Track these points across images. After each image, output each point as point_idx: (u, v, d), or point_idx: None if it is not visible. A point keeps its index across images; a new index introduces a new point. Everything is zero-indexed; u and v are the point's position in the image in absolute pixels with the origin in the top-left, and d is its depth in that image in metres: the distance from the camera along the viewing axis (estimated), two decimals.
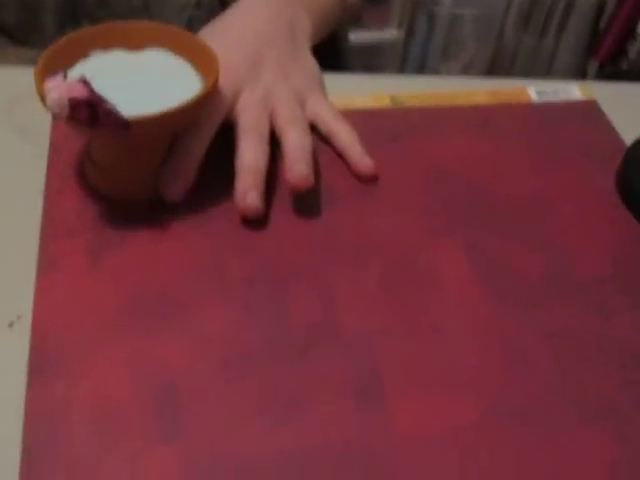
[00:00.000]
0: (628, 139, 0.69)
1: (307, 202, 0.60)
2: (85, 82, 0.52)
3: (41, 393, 0.47)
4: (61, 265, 0.54)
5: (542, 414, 0.50)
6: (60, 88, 0.52)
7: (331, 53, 0.92)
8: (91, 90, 0.52)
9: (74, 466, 0.44)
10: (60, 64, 0.57)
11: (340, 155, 0.64)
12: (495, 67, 2.02)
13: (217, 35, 0.66)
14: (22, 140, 0.64)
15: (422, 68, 1.97)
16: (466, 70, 1.96)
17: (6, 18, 0.89)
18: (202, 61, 0.59)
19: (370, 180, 0.62)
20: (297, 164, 0.58)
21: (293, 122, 0.62)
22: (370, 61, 2.05)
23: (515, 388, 0.51)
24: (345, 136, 0.63)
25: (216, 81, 0.57)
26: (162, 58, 0.61)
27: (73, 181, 0.60)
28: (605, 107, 0.72)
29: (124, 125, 0.52)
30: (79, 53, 0.59)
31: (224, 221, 0.58)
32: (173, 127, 0.57)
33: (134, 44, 0.61)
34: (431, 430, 0.48)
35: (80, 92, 0.51)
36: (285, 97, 0.63)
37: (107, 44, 0.60)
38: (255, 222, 0.58)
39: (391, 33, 2.01)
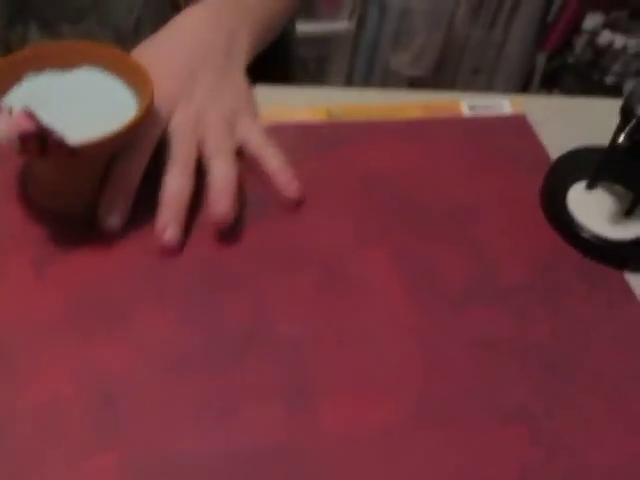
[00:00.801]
0: (555, 153, 0.72)
1: (242, 210, 0.63)
2: (29, 114, 0.53)
3: None
4: (7, 276, 0.56)
5: (461, 417, 0.53)
6: (7, 124, 0.53)
7: (280, 45, 0.94)
8: (38, 122, 0.53)
9: (13, 468, 0.47)
10: None
11: None
12: (445, 58, 2.06)
13: (152, 53, 0.68)
14: None
15: (373, 59, 2.00)
16: (416, 61, 1.99)
17: None
18: (136, 80, 0.61)
19: (297, 203, 0.65)
20: (219, 200, 0.60)
21: (220, 151, 0.64)
22: (321, 51, 2.07)
23: (436, 392, 0.54)
24: (274, 161, 0.65)
25: (152, 102, 0.59)
26: (95, 77, 0.62)
27: (18, 192, 0.62)
28: (536, 120, 0.75)
29: (72, 152, 0.54)
30: (12, 78, 0.60)
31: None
32: (115, 148, 0.59)
33: (66, 63, 0.62)
34: (357, 432, 0.52)
35: (27, 125, 0.53)
36: (215, 123, 0.65)
37: (40, 66, 0.61)
38: (195, 222, 0.61)
39: (342, 24, 2.03)
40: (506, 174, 0.70)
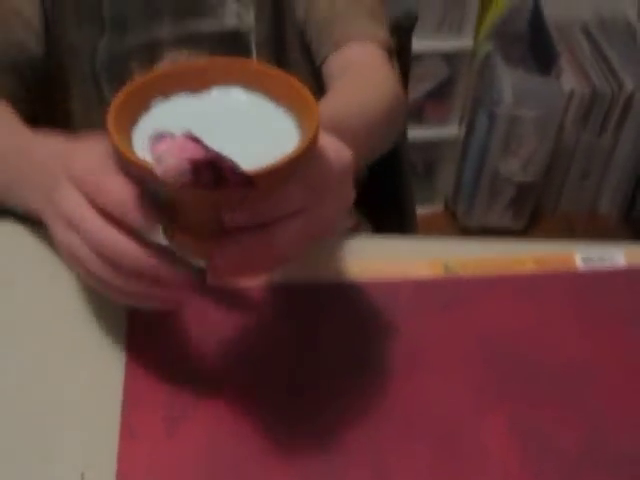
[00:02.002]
0: None
1: (361, 372, 0.66)
2: (196, 139, 0.46)
3: None
4: (140, 434, 0.60)
5: None
6: (174, 151, 0.46)
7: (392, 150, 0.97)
8: (206, 147, 0.46)
9: None
10: (125, 122, 0.52)
11: (398, 323, 0.69)
12: (554, 163, 2.06)
13: None
14: (105, 303, 0.69)
15: (481, 164, 2.02)
16: (525, 167, 2.00)
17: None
18: (292, 99, 0.53)
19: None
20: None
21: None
22: (430, 155, 2.11)
23: None
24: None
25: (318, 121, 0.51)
26: (233, 96, 0.55)
27: (151, 348, 0.66)
28: None
29: (249, 182, 0.47)
30: (140, 106, 0.54)
31: (286, 394, 0.64)
32: (287, 178, 0.50)
33: (197, 85, 0.55)
34: None
35: (196, 152, 0.45)
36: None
37: (167, 90, 0.55)
38: (316, 390, 0.64)
39: (452, 129, 2.07)
40: (620, 332, 0.71)
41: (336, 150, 0.54)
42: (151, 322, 0.67)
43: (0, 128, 0.76)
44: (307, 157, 0.50)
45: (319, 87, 0.90)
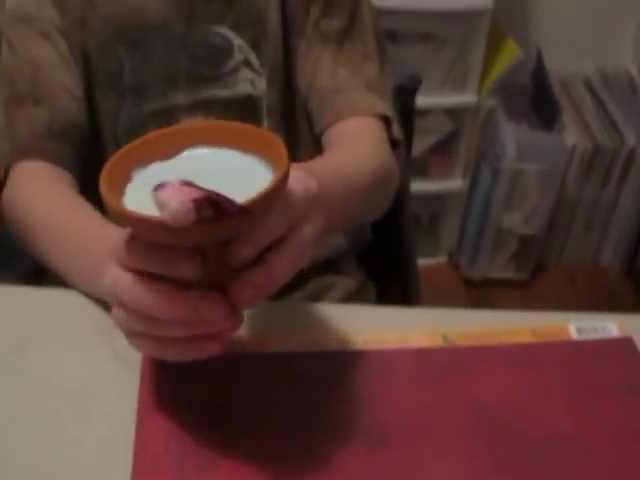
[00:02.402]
0: None
1: (360, 439, 0.68)
2: (189, 183, 0.53)
3: None
4: None
5: None
6: (178, 194, 0.52)
7: (395, 202, 0.99)
8: (202, 188, 0.52)
9: None
10: (116, 191, 0.57)
11: (397, 391, 0.71)
12: (557, 216, 2.09)
13: None
14: (116, 369, 0.72)
15: (485, 217, 2.05)
16: (529, 220, 2.03)
17: None
18: (260, 146, 0.59)
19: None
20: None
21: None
22: (434, 208, 2.14)
23: None
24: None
25: (288, 160, 0.57)
26: (205, 154, 0.61)
27: (160, 414, 0.68)
28: None
29: (244, 211, 0.53)
30: (124, 179, 0.59)
31: (288, 461, 0.66)
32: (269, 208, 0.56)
33: (167, 152, 0.61)
34: None
35: (196, 192, 0.51)
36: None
37: (144, 160, 0.61)
38: (313, 457, 0.66)
39: (455, 183, 2.10)
40: (613, 403, 0.73)
41: (302, 181, 0.60)
42: (161, 388, 0.70)
43: (83, 216, 0.80)
44: (286, 184, 0.57)
45: (320, 154, 0.93)
